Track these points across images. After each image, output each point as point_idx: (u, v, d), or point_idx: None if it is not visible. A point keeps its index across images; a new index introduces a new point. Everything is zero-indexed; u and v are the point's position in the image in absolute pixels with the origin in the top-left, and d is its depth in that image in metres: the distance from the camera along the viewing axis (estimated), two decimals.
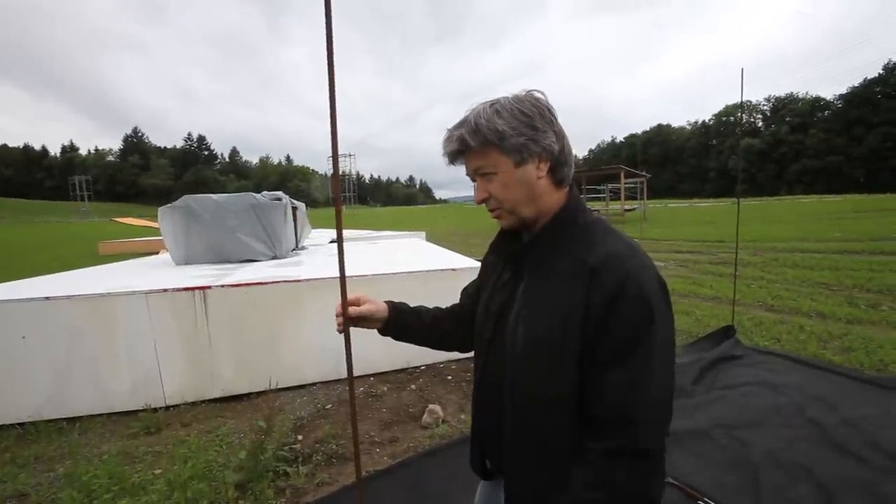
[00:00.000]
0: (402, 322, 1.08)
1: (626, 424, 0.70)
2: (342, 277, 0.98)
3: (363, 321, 1.05)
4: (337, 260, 0.99)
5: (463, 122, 0.81)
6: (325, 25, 0.90)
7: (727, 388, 3.17)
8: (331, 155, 1.04)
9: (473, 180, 0.86)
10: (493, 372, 0.89)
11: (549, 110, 0.81)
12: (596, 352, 0.72)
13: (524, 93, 0.81)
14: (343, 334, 1.01)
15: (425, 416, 2.95)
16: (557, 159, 0.81)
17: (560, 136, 0.81)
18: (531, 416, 0.81)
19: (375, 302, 1.07)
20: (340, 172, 1.03)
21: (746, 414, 2.80)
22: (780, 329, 4.49)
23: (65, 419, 3.07)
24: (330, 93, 0.91)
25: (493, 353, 0.89)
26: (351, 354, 1.01)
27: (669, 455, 2.24)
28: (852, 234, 12.06)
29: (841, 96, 77.25)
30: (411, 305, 1.14)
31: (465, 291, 1.15)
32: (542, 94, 0.82)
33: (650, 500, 0.73)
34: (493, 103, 0.80)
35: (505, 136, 0.77)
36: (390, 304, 1.10)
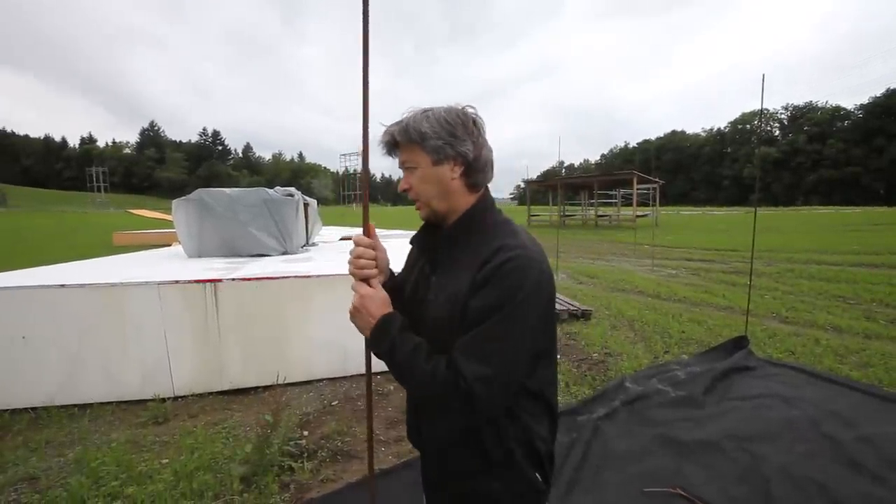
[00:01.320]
0: (396, 287, 1.11)
1: (458, 374, 0.80)
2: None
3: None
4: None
5: (398, 122, 0.93)
6: (361, 27, 0.91)
7: (739, 400, 3.11)
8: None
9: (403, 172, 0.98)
10: None
11: (475, 123, 0.93)
12: (467, 313, 0.84)
13: (459, 106, 0.94)
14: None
15: None
16: (472, 165, 0.92)
17: (478, 146, 0.92)
18: None
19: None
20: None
21: (759, 426, 2.74)
22: (794, 341, 4.40)
23: (76, 406, 3.12)
24: (364, 87, 0.93)
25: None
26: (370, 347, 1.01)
27: (678, 464, 2.17)
28: (871, 247, 11.80)
29: (862, 106, 75.74)
30: None
31: None
32: (473, 109, 0.95)
33: (441, 402, 0.84)
34: (426, 110, 0.92)
35: (426, 137, 0.89)
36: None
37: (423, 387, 0.86)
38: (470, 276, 0.86)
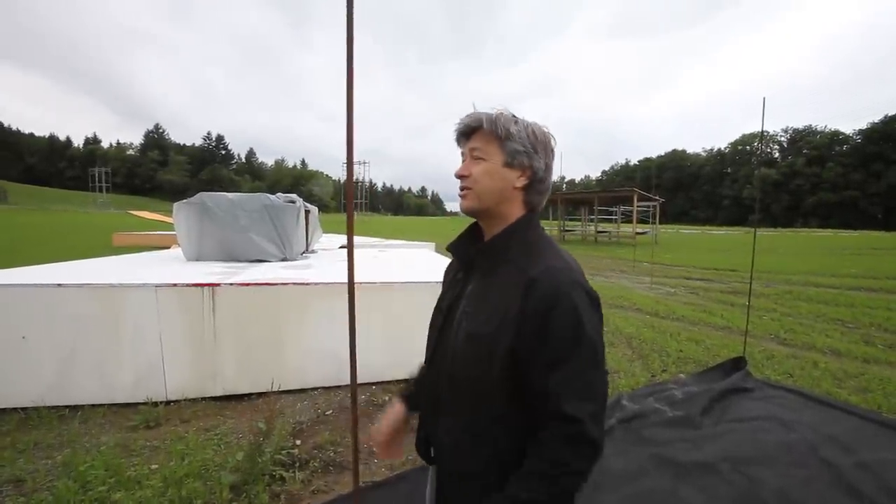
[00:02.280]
0: (413, 396, 1.16)
1: (568, 418, 0.79)
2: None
3: (398, 437, 1.17)
4: (344, 266, 0.99)
5: (487, 112, 0.93)
6: (346, 34, 0.91)
7: (736, 422, 3.08)
8: (346, 161, 1.04)
9: (464, 159, 0.96)
10: (438, 363, 0.99)
11: (553, 148, 0.96)
12: (536, 357, 0.82)
13: (544, 125, 0.95)
14: (349, 339, 1.02)
15: None
16: (536, 184, 0.94)
17: (548, 170, 0.95)
18: (464, 407, 0.91)
19: (394, 415, 1.15)
20: (353, 179, 1.03)
21: (756, 449, 2.71)
22: (792, 364, 4.38)
23: (67, 407, 3.08)
24: (348, 96, 0.92)
25: (440, 346, 0.99)
26: (355, 359, 1.00)
27: (674, 486, 2.17)
28: (869, 271, 11.83)
29: (860, 131, 76.62)
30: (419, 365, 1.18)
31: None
32: (554, 138, 0.97)
33: (586, 477, 0.82)
34: (515, 115, 0.94)
35: (511, 137, 0.90)
36: (401, 396, 1.18)
37: (553, 479, 0.79)
38: (516, 293, 0.84)
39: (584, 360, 0.82)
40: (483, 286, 0.93)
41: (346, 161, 1.01)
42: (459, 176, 0.95)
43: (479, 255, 0.96)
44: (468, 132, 0.94)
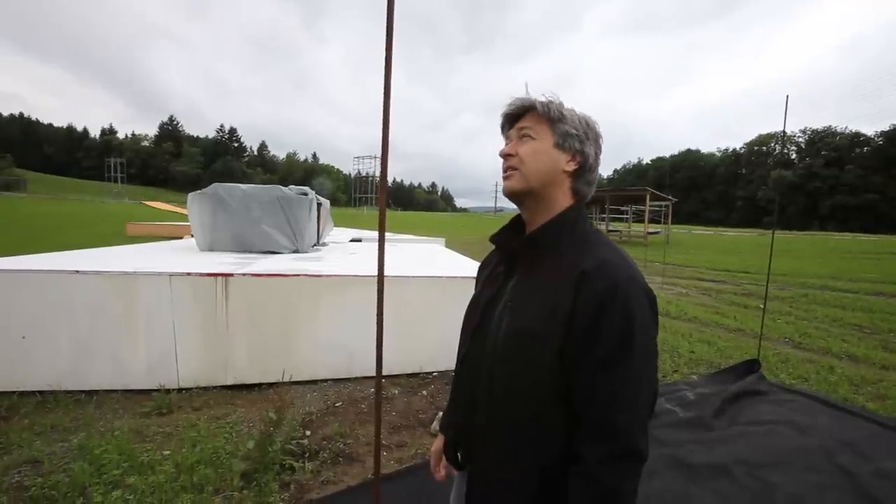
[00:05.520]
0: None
1: (614, 430, 0.76)
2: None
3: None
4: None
5: (540, 96, 0.90)
6: (385, 34, 0.90)
7: (750, 424, 3.03)
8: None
9: (509, 141, 0.92)
10: (472, 362, 0.94)
11: (601, 140, 0.92)
12: (583, 357, 0.77)
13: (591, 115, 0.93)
14: (376, 331, 1.00)
15: (435, 422, 2.91)
16: (585, 170, 0.90)
17: (597, 158, 0.91)
18: (505, 409, 0.85)
19: (438, 451, 1.14)
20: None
21: (770, 453, 2.66)
22: (807, 368, 4.30)
23: (83, 391, 3.14)
24: (385, 94, 0.91)
25: (475, 343, 0.93)
26: (381, 352, 0.99)
27: (685, 488, 2.14)
28: (889, 276, 11.55)
29: (882, 133, 74.77)
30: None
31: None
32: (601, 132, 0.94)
33: (636, 494, 0.79)
34: (564, 104, 0.91)
35: (563, 119, 0.87)
36: (440, 429, 1.17)
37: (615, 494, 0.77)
38: (567, 287, 0.79)
39: (635, 365, 0.77)
40: (529, 280, 0.88)
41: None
42: (505, 155, 0.90)
43: (524, 246, 0.91)
44: (519, 114, 0.90)
